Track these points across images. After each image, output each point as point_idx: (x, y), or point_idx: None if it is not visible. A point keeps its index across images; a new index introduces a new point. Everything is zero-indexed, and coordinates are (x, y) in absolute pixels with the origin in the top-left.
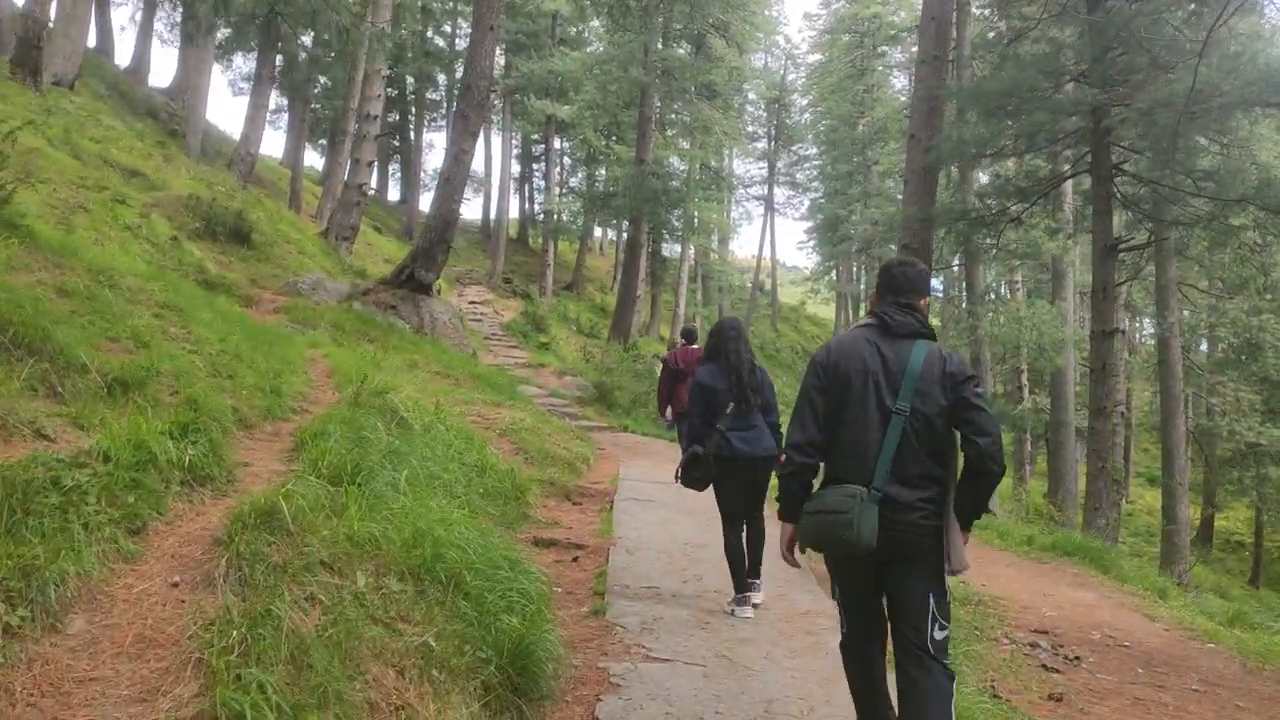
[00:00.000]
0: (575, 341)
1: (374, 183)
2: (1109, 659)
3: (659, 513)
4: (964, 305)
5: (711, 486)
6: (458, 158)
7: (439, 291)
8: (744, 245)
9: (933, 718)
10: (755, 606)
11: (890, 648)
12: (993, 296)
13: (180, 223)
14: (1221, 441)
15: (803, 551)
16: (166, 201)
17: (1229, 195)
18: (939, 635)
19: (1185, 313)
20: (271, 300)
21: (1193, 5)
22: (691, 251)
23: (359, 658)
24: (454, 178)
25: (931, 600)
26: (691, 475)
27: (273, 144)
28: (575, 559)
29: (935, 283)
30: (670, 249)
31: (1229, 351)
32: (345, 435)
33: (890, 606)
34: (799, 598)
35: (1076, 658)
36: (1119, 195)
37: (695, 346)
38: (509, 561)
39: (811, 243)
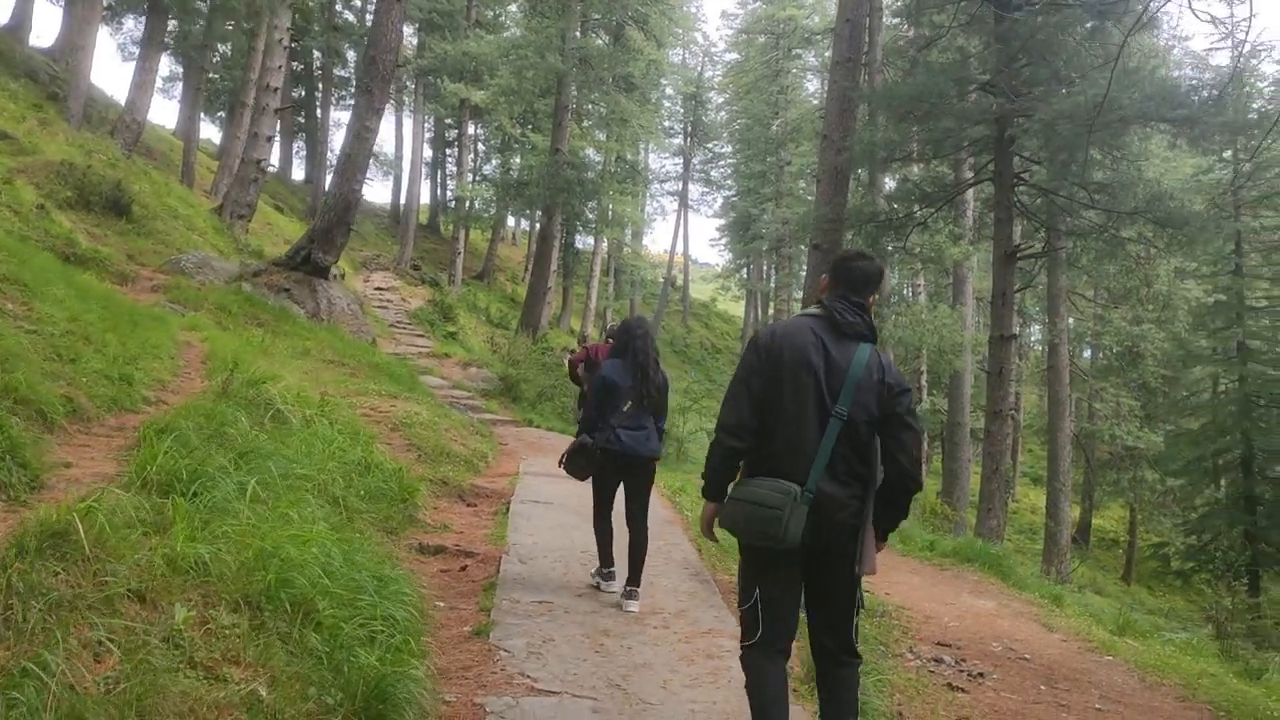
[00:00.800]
0: (484, 331)
1: (275, 159)
2: (1011, 674)
3: (558, 516)
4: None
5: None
6: (360, 135)
7: (342, 276)
8: (657, 240)
9: (853, 703)
10: (631, 611)
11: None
12: (896, 299)
13: (49, 191)
14: (1101, 444)
15: (723, 528)
16: (35, 168)
17: (1122, 208)
18: (855, 624)
19: (1072, 320)
20: (150, 278)
21: (1092, 23)
22: (605, 244)
23: (159, 717)
24: (356, 156)
25: (857, 591)
26: (576, 463)
27: (167, 114)
28: (464, 568)
29: None
30: (584, 241)
31: (1111, 358)
32: (201, 431)
33: (812, 605)
34: (701, 615)
35: (980, 674)
36: (1019, 204)
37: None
38: (377, 581)
39: (724, 240)
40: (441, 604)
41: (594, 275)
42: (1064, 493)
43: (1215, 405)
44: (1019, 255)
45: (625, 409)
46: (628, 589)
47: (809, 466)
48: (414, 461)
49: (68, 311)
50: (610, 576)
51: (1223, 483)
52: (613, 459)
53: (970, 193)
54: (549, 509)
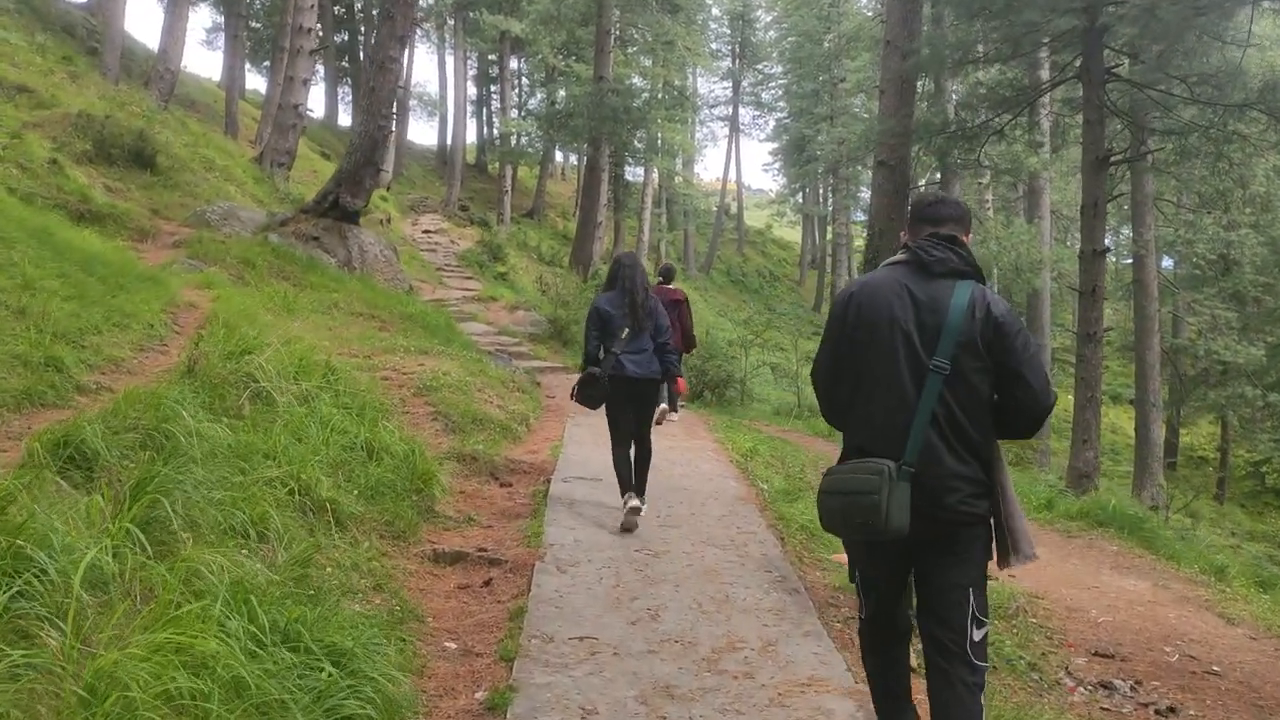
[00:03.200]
0: (534, 270)
1: (320, 106)
2: (1208, 703)
3: (607, 498)
4: None
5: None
6: (384, 66)
7: (389, 220)
8: (709, 168)
9: None
10: (634, 523)
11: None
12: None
13: (64, 144)
14: (1193, 360)
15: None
16: (52, 121)
17: (1230, 100)
18: (978, 635)
19: (1160, 230)
20: (173, 233)
21: None
22: (655, 175)
23: None
24: (381, 89)
25: (971, 597)
26: (587, 394)
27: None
28: (487, 582)
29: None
30: (633, 173)
31: (1204, 268)
32: (128, 434)
33: (921, 601)
34: (797, 651)
35: (1171, 709)
36: (1109, 104)
37: (672, 287)
38: (331, 667)
39: (777, 164)
40: (453, 645)
41: (645, 207)
42: (1155, 414)
43: None
44: (1113, 160)
45: (623, 336)
46: (636, 497)
47: (904, 437)
48: (437, 434)
49: (16, 279)
50: (632, 497)
51: None
52: (620, 385)
53: (1047, 96)
54: (596, 488)
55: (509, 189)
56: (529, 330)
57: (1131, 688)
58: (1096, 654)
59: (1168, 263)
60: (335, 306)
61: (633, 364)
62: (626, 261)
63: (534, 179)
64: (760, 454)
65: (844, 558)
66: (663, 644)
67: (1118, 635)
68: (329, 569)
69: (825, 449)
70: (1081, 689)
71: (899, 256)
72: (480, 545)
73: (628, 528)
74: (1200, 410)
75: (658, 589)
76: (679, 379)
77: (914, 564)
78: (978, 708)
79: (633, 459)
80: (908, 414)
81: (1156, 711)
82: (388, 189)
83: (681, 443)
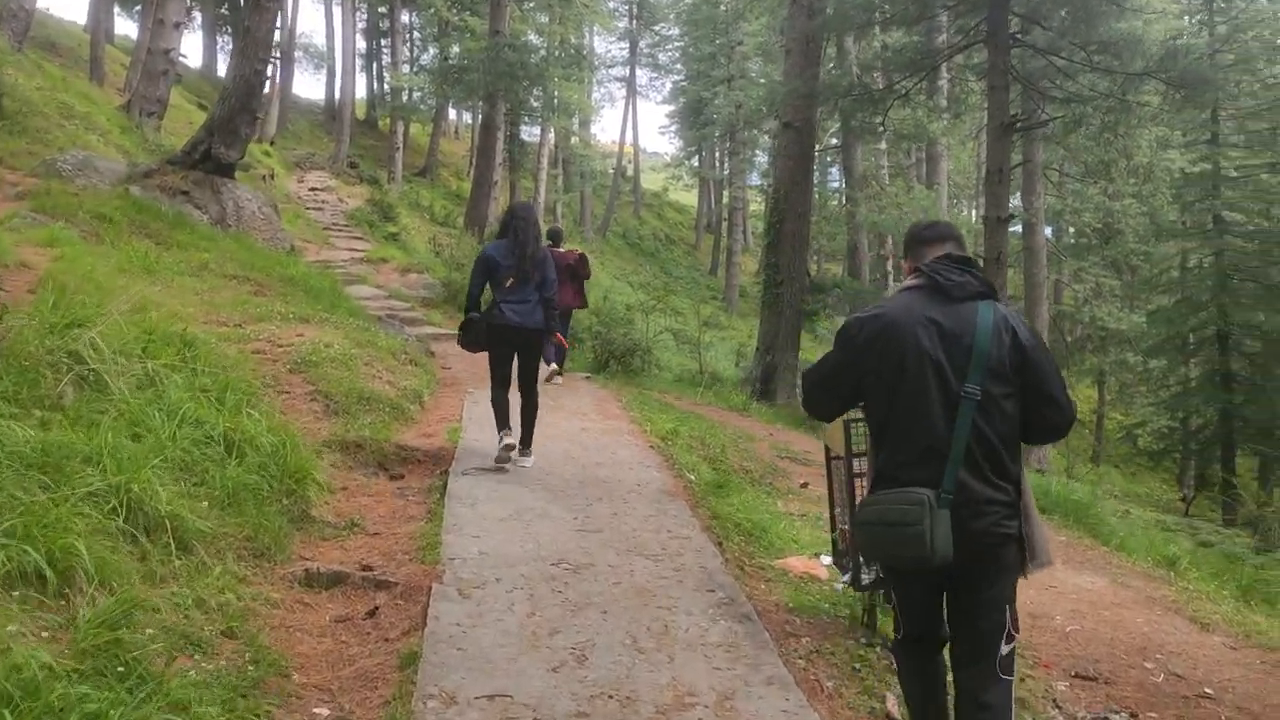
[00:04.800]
0: (428, 231)
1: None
2: None
3: (517, 495)
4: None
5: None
6: (260, 4)
7: (272, 176)
8: (606, 130)
9: None
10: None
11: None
12: (868, 182)
13: None
14: (1078, 326)
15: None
16: None
17: (1131, 68)
18: (1006, 649)
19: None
20: (15, 184)
21: None
22: (552, 135)
23: None
24: (256, 29)
25: (1008, 612)
26: (466, 338)
27: (77, 8)
28: (372, 612)
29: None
30: (529, 132)
31: (1090, 236)
32: None
33: (956, 619)
34: (761, 709)
35: None
36: (1014, 70)
37: (564, 250)
38: None
39: (674, 127)
40: (324, 711)
41: (542, 168)
42: None
43: (1190, 281)
44: (1019, 126)
45: (507, 285)
46: (521, 450)
47: (943, 464)
48: (317, 417)
49: None
50: (509, 435)
51: (1194, 361)
52: (500, 332)
53: (944, 64)
54: (503, 482)
55: (401, 146)
56: (422, 294)
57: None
58: (1078, 676)
59: (1049, 230)
60: (205, 268)
61: (514, 312)
62: (521, 212)
63: (427, 136)
64: (681, 435)
65: (788, 563)
66: (594, 701)
67: (1092, 649)
68: (162, 612)
69: (742, 425)
70: None
71: (912, 281)
72: (364, 561)
73: (500, 461)
74: (1080, 375)
75: (582, 617)
76: (558, 334)
77: (948, 583)
78: (1004, 712)
79: (520, 409)
80: (943, 442)
81: None
82: (271, 143)
83: (595, 424)
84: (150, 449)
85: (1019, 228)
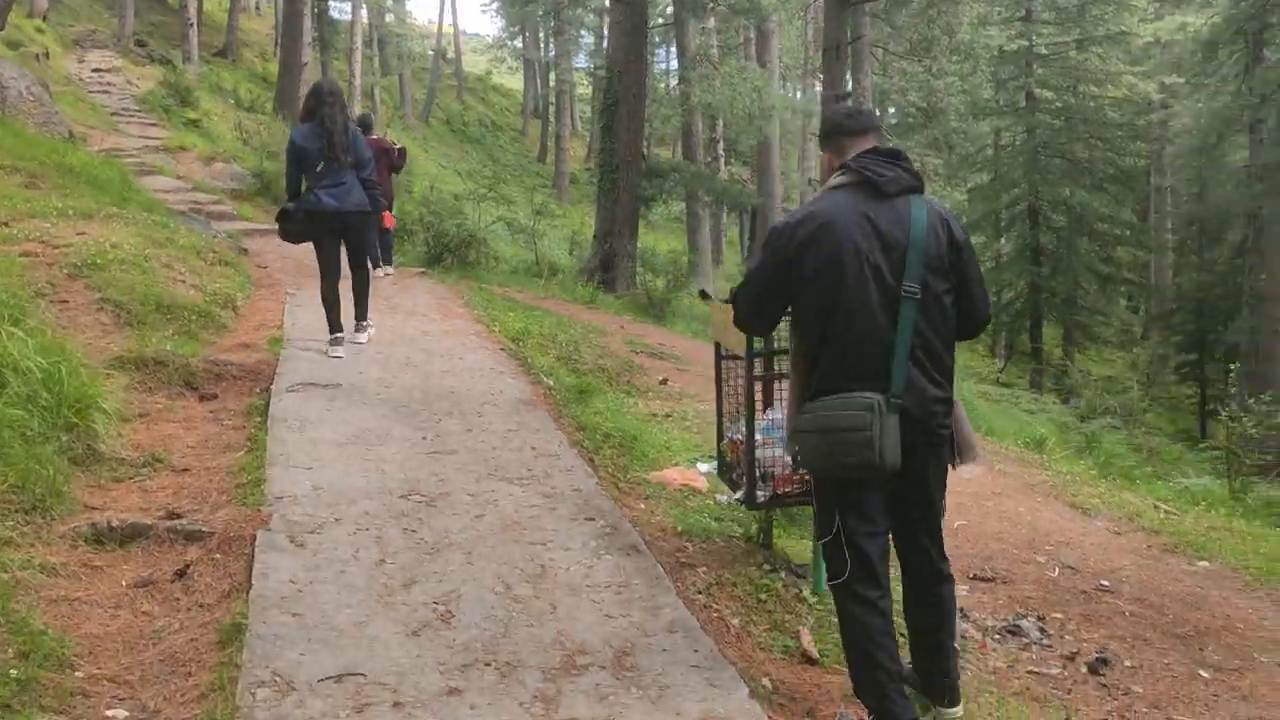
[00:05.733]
0: (233, 117)
1: None
2: (1123, 634)
3: (355, 415)
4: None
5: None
6: None
7: (46, 55)
8: (423, 7)
9: (954, 624)
10: (369, 340)
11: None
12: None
13: None
14: None
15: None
16: None
17: None
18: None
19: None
20: None
21: None
22: (364, 13)
23: None
24: None
25: (944, 509)
26: (285, 229)
27: None
28: (182, 572)
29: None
30: (340, 9)
31: (914, 116)
32: None
33: (904, 524)
34: (665, 665)
35: (1103, 660)
36: None
37: (376, 137)
38: None
39: (495, 6)
40: (121, 713)
41: (355, 48)
42: None
43: (1004, 159)
44: (853, 1)
45: (319, 170)
46: (357, 325)
47: (887, 367)
48: (105, 331)
49: None
50: (339, 343)
51: (1008, 237)
52: (320, 220)
53: None
54: (336, 398)
55: (194, 23)
56: (230, 185)
57: (1040, 630)
58: (976, 578)
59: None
60: None
61: (330, 197)
62: (328, 95)
63: (224, 13)
64: (532, 335)
65: (666, 475)
66: (468, 672)
67: (982, 546)
68: None
69: (590, 318)
70: (991, 641)
71: (840, 179)
72: (170, 507)
73: (335, 343)
74: None
75: (443, 562)
76: (386, 214)
77: (892, 489)
78: (953, 597)
79: (352, 288)
80: (887, 345)
81: (1088, 666)
82: (44, 19)
83: (437, 325)
84: None
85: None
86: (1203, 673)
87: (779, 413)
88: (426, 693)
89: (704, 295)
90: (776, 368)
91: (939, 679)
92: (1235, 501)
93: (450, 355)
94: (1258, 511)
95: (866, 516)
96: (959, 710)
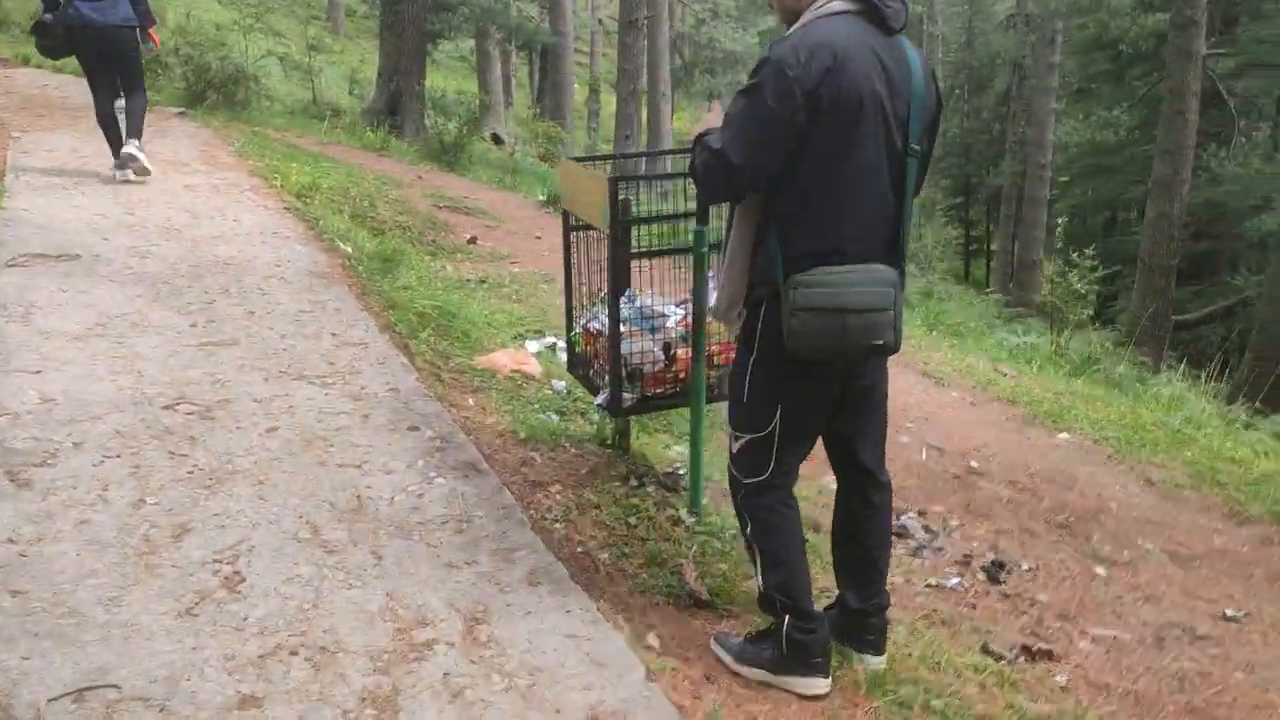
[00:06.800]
0: None
1: None
2: (1008, 526)
3: (98, 296)
4: None
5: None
6: None
7: None
8: None
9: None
10: (141, 166)
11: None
12: None
13: None
14: (700, 49)
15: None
16: None
17: None
18: None
19: None
20: None
21: None
22: None
23: None
24: None
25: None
26: (41, 43)
27: None
28: None
29: None
30: None
31: None
32: None
33: (845, 417)
34: (531, 634)
35: (999, 563)
36: None
37: None
38: None
39: None
40: None
41: None
42: (665, 106)
43: None
44: None
45: None
46: (134, 145)
47: (894, 235)
48: None
49: None
50: (125, 164)
51: None
52: (79, 35)
53: None
54: (74, 274)
55: None
56: None
57: (926, 529)
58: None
59: None
60: None
61: (93, 10)
62: None
63: None
64: (321, 190)
65: (494, 359)
66: (266, 667)
67: None
68: None
69: (382, 167)
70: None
71: (842, 4)
72: None
73: (121, 166)
74: (694, 98)
75: (225, 497)
76: (150, 31)
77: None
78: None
79: (125, 111)
80: (893, 209)
81: (986, 573)
82: None
83: (204, 178)
84: None
85: None
86: (1099, 569)
87: (649, 299)
88: (208, 707)
89: (496, 139)
90: (637, 245)
91: (873, 616)
92: (1059, 358)
93: (222, 216)
94: (1082, 367)
95: (818, 409)
96: (883, 660)
